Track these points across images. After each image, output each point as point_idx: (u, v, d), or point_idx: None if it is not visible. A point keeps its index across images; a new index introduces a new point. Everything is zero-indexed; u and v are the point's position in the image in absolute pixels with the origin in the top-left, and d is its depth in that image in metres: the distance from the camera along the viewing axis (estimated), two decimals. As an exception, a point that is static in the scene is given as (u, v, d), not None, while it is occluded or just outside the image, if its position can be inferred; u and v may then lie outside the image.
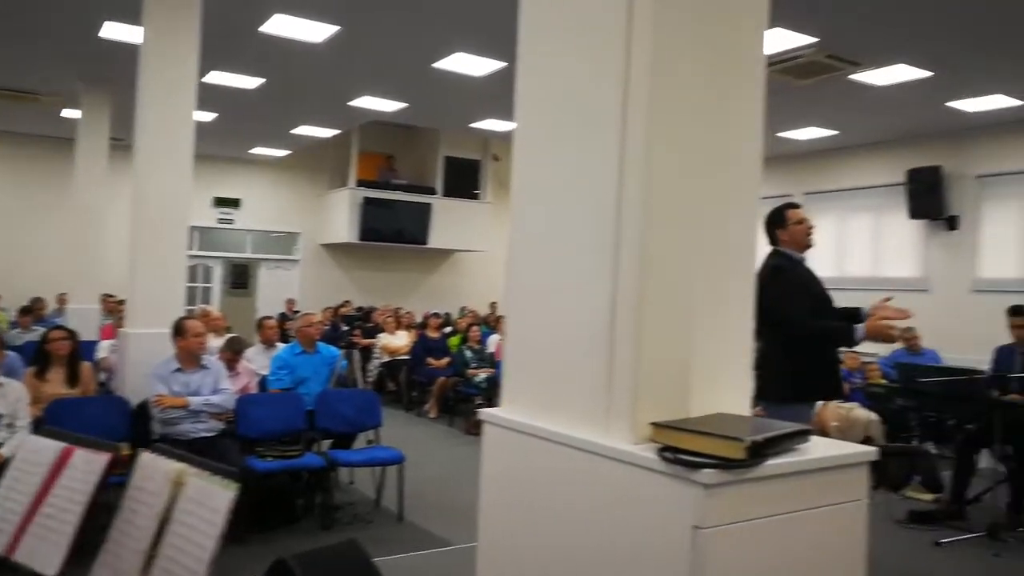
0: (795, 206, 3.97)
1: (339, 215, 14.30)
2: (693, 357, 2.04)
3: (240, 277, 14.94)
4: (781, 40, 6.67)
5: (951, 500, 5.30)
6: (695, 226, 2.06)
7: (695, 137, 2.06)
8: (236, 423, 4.98)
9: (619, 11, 2.05)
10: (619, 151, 2.04)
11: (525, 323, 2.37)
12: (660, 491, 1.81)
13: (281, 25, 6.95)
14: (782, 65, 7.30)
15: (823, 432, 6.65)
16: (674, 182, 2.02)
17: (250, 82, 8.93)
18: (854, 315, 3.91)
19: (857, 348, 8.27)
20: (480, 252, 15.28)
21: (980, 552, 4.61)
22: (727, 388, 2.16)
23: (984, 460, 5.83)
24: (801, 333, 3.75)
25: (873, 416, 7.00)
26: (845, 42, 6.79)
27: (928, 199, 9.85)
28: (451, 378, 9.08)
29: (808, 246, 3.90)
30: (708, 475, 1.70)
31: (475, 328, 9.54)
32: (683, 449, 1.80)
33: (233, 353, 5.72)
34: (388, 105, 9.92)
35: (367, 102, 9.79)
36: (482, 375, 8.64)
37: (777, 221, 3.90)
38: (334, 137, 12.55)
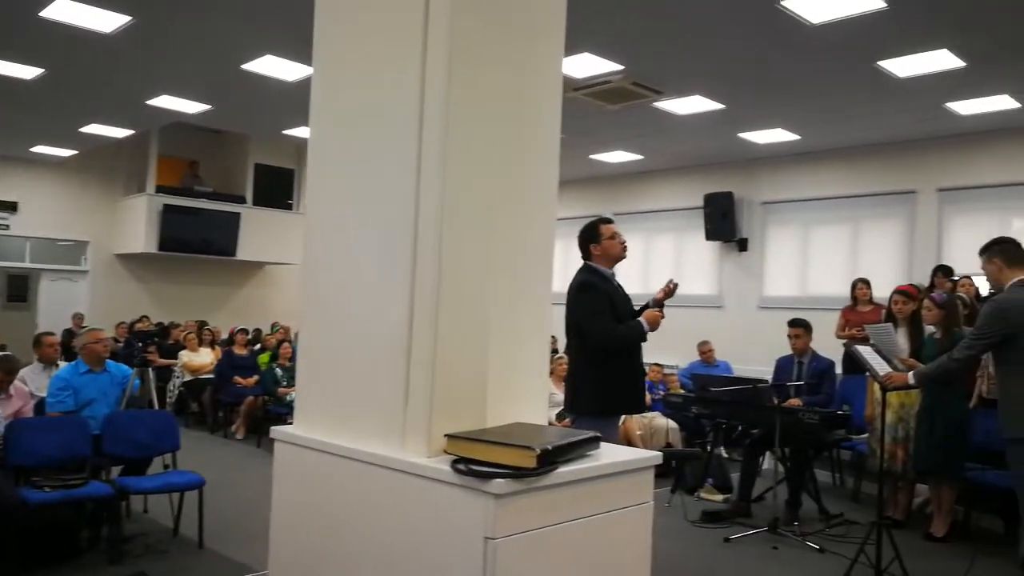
0: (608, 221, 4.12)
1: (135, 223, 13.20)
2: (491, 368, 2.04)
3: (17, 289, 13.41)
4: (590, 65, 6.98)
5: (739, 499, 5.72)
6: (493, 238, 2.06)
7: (494, 151, 2.07)
8: (5, 451, 4.45)
9: (415, 24, 2.02)
10: (416, 163, 2.01)
11: (319, 337, 2.27)
12: (454, 503, 1.78)
13: (65, 11, 6.33)
14: (592, 89, 7.63)
15: (629, 441, 6.96)
16: (472, 194, 2.02)
17: (26, 71, 8.05)
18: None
19: (659, 360, 8.81)
20: (293, 265, 14.72)
21: (762, 546, 4.99)
22: (525, 398, 2.17)
23: (768, 462, 6.36)
24: (605, 344, 3.87)
25: (673, 424, 7.44)
26: (649, 71, 7.22)
27: (722, 222, 10.70)
28: (260, 397, 8.65)
29: (622, 258, 4.04)
30: (499, 485, 1.69)
31: (286, 345, 9.15)
32: (477, 460, 1.78)
33: (5, 373, 5.11)
34: (190, 106, 9.32)
35: (167, 102, 9.13)
36: (293, 394, 8.27)
37: (591, 236, 4.02)
38: (129, 138, 11.60)
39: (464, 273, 1.99)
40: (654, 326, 3.94)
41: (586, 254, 4.07)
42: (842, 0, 5.47)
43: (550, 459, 1.78)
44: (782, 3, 5.56)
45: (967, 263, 7.71)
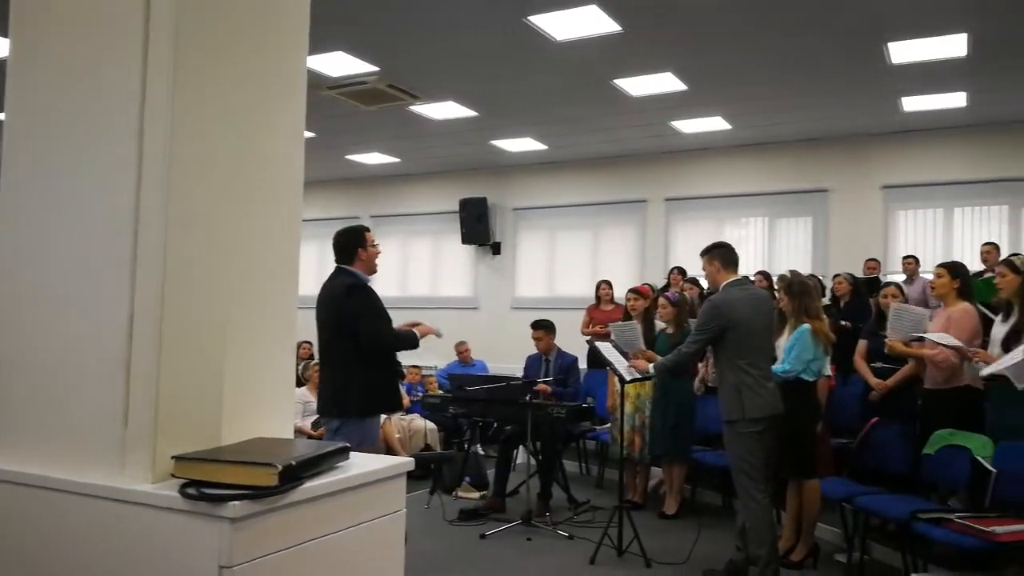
0: (368, 229, 4.18)
1: None
2: (227, 379, 1.88)
3: None
4: (344, 64, 6.83)
5: (494, 495, 5.89)
6: (230, 238, 1.90)
7: (229, 149, 1.91)
8: None
9: (134, 8, 1.81)
10: (137, 157, 1.79)
11: (17, 351, 1.96)
12: (184, 532, 1.61)
13: None
14: (347, 89, 7.48)
15: (388, 445, 6.90)
16: (202, 194, 1.85)
17: None
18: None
19: (417, 362, 8.84)
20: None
21: (517, 538, 5.17)
22: (268, 410, 2.03)
23: (522, 456, 6.62)
24: (387, 344, 4.00)
25: (431, 425, 7.50)
26: (404, 74, 7.22)
27: (477, 227, 11.00)
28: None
29: (377, 270, 4.14)
30: (235, 508, 1.55)
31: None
32: (211, 482, 1.62)
33: None
34: None
35: None
36: None
37: (360, 242, 4.04)
38: None
39: (195, 276, 1.81)
40: (424, 336, 4.14)
41: (348, 258, 4.03)
42: (583, 21, 5.83)
43: (294, 475, 1.67)
44: (530, 18, 5.82)
45: (689, 265, 8.61)
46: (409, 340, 4.07)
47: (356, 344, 3.87)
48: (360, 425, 3.86)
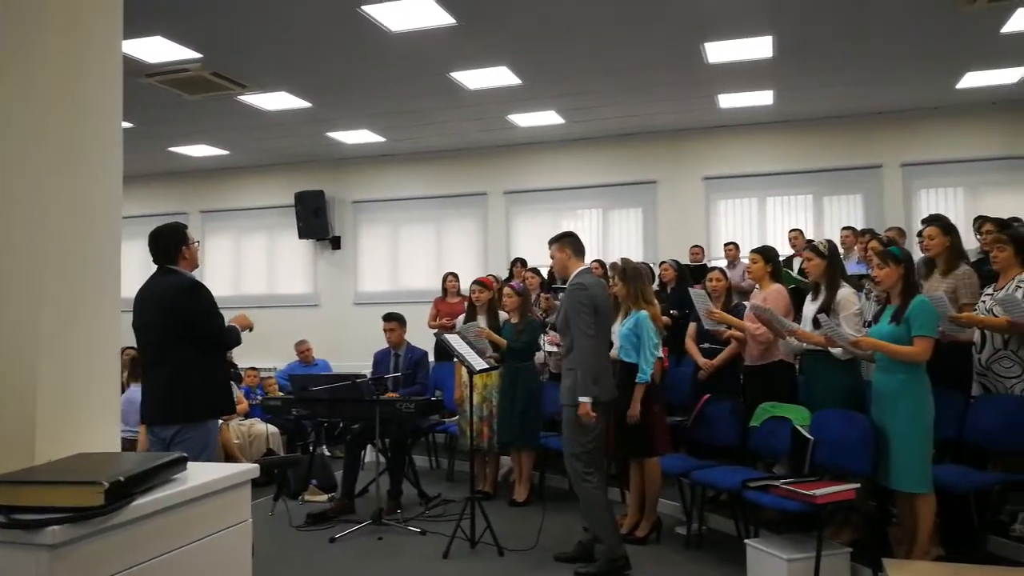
0: (187, 227, 4.00)
1: None
2: (41, 391, 1.70)
3: None
4: (164, 51, 6.38)
5: (342, 496, 5.74)
6: (39, 239, 1.72)
7: (36, 140, 1.72)
8: None
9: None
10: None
11: None
12: (-4, 566, 1.43)
13: None
14: (168, 77, 7.00)
15: (227, 452, 6.56)
16: (6, 190, 1.65)
17: None
18: None
19: (255, 364, 8.46)
20: None
21: (368, 538, 5.07)
22: (91, 423, 1.86)
23: (370, 454, 6.50)
24: (230, 343, 3.95)
25: (273, 429, 7.21)
26: (229, 63, 6.85)
27: (314, 221, 10.65)
28: None
29: (198, 266, 4.02)
30: (54, 533, 1.40)
31: None
32: (25, 507, 1.46)
33: None
34: None
35: None
36: None
37: (183, 240, 3.89)
38: None
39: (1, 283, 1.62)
40: (244, 328, 4.09)
41: (170, 258, 3.84)
42: (418, 12, 5.77)
43: (123, 492, 1.53)
44: (364, 8, 5.68)
45: (530, 256, 8.79)
46: (237, 336, 4.02)
47: (193, 344, 3.71)
48: (202, 429, 3.71)
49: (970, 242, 6.26)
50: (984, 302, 4.41)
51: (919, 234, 5.85)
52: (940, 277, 4.61)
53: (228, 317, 4.01)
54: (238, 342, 4.04)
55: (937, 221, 4.92)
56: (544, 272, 8.09)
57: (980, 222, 5.85)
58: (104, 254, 1.95)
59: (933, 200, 8.88)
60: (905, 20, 6.18)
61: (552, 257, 4.55)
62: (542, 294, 7.02)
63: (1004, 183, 8.71)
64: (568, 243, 4.47)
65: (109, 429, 1.92)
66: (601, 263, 7.52)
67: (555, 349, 6.33)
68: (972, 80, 7.79)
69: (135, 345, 3.97)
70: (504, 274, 8.55)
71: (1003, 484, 4.13)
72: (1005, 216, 5.93)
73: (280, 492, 5.93)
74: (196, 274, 3.98)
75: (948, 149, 8.81)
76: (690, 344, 5.69)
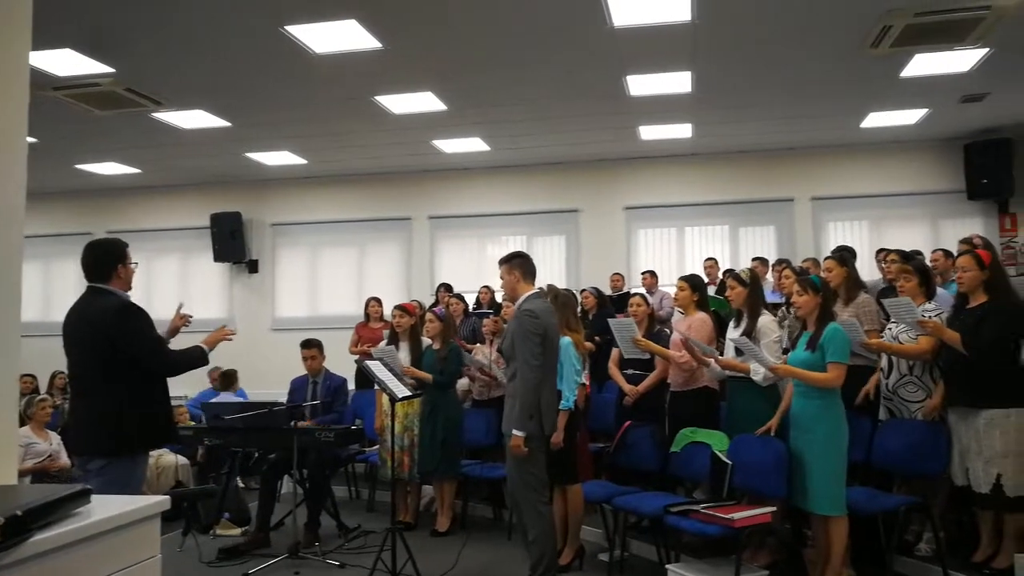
0: (127, 245, 3.73)
1: None
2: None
3: None
4: (73, 63, 6.12)
5: (257, 529, 5.52)
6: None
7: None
8: None
9: None
10: None
11: None
12: None
13: None
14: (77, 91, 6.72)
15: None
16: None
17: None
18: None
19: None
20: None
21: (284, 573, 4.88)
22: (-16, 454, 1.73)
23: (286, 485, 6.28)
24: (173, 369, 3.64)
25: (182, 460, 6.90)
26: (144, 78, 6.62)
27: (231, 243, 10.36)
28: None
29: (131, 288, 3.74)
30: (-59, 575, 1.29)
31: None
32: (-94, 547, 1.33)
33: None
34: None
35: None
36: None
37: (121, 258, 3.64)
38: None
39: None
40: (213, 347, 3.88)
41: (104, 276, 3.58)
42: (343, 35, 5.71)
43: (21, 527, 1.42)
44: (287, 28, 5.60)
45: (455, 281, 8.77)
46: (196, 358, 3.73)
47: (128, 371, 3.44)
48: (131, 463, 3.42)
49: (874, 273, 6.58)
50: (890, 329, 4.62)
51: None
52: (842, 306, 4.81)
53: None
54: (197, 364, 3.74)
55: (834, 254, 5.16)
56: (470, 298, 8.08)
57: (884, 253, 6.15)
58: (4, 275, 1.84)
59: (840, 232, 9.31)
60: (813, 62, 6.50)
61: (501, 278, 4.40)
62: (492, 316, 6.85)
63: (905, 217, 9.23)
64: (518, 265, 4.33)
65: (5, 461, 1.79)
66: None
67: (479, 376, 6.30)
68: (875, 120, 8.23)
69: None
70: (428, 300, 8.48)
71: (908, 506, 4.30)
72: (906, 248, 6.25)
73: (190, 526, 5.66)
74: (139, 298, 3.71)
75: (854, 184, 9.27)
76: (613, 370, 5.73)
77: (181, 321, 3.99)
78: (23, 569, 1.44)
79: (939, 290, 4.98)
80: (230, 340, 4.03)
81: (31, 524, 1.45)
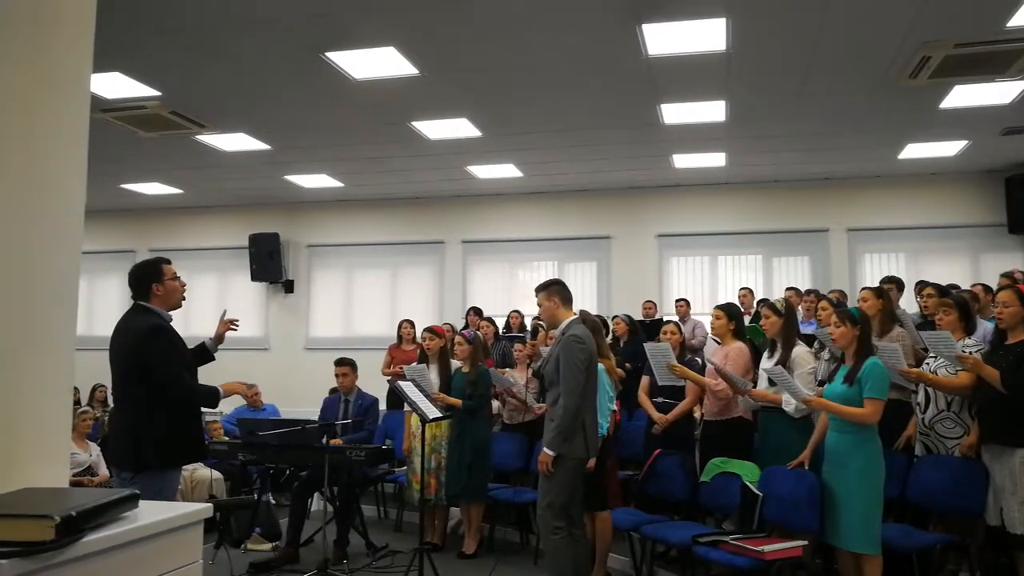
0: (168, 261, 3.82)
1: None
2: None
3: None
4: (122, 87, 6.33)
5: (287, 545, 5.57)
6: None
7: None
8: None
9: None
10: None
11: None
12: (-68, 604, 1.36)
13: None
14: (124, 113, 6.94)
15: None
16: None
17: None
18: (203, 351, 4.12)
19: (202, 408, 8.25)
20: None
21: (312, 590, 4.92)
22: (39, 458, 1.80)
23: (316, 503, 6.34)
24: (184, 396, 3.66)
25: (217, 475, 6.98)
26: (189, 102, 6.82)
27: (268, 264, 10.55)
28: None
29: (180, 305, 3.81)
30: (2, 568, 1.35)
31: None
32: (-32, 542, 1.40)
33: None
34: None
35: None
36: None
37: (155, 275, 3.71)
38: None
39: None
40: (232, 394, 3.95)
41: (143, 294, 3.69)
42: (381, 61, 5.84)
43: (74, 527, 1.48)
44: (328, 55, 5.75)
45: (485, 305, 8.82)
46: (208, 396, 3.78)
47: (152, 389, 3.54)
48: (158, 478, 3.49)
49: (912, 305, 6.50)
50: (927, 364, 4.55)
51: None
52: (876, 339, 4.76)
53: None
54: (204, 402, 3.80)
55: (881, 284, 5.10)
56: (499, 322, 8.12)
57: (921, 286, 6.08)
58: (61, 290, 1.92)
59: (877, 264, 9.21)
60: (850, 93, 6.49)
61: (539, 305, 4.41)
62: (529, 340, 6.87)
63: (944, 250, 9.11)
64: (556, 291, 4.36)
65: (57, 467, 1.86)
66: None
67: (509, 399, 6.32)
68: (913, 151, 8.17)
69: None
70: (460, 323, 8.54)
71: (945, 544, 4.21)
72: (943, 282, 6.17)
73: (222, 539, 5.73)
74: (178, 314, 3.77)
75: (891, 216, 9.19)
76: (643, 398, 5.71)
77: (226, 327, 4.10)
78: (75, 567, 1.50)
79: (983, 322, 4.91)
80: (234, 330, 4.12)
81: (84, 525, 1.52)
